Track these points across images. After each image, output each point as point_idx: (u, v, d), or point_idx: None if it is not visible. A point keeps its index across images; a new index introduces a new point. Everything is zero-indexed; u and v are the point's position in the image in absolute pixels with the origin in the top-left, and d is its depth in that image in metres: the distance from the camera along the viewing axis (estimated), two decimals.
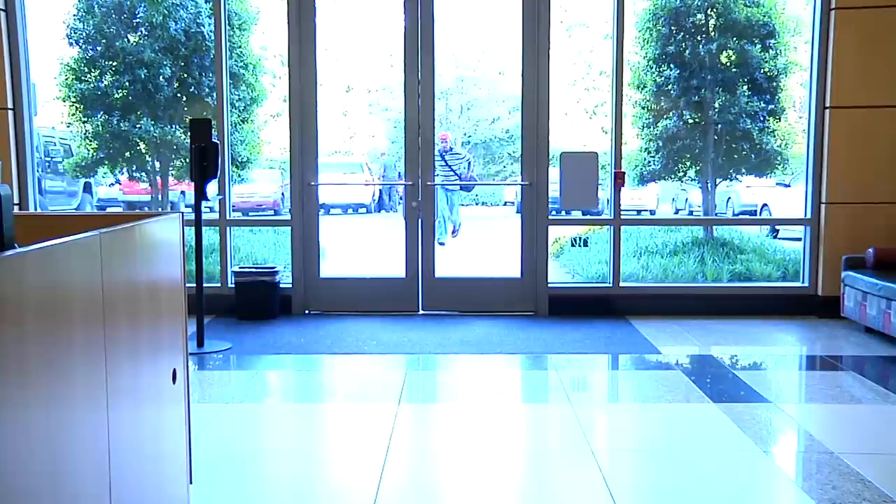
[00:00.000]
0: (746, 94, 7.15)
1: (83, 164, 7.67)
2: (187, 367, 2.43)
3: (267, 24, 7.86)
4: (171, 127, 7.42)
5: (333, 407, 3.92)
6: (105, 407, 1.68)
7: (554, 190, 5.79)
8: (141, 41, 7.30)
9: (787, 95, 7.31)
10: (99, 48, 7.36)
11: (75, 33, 7.35)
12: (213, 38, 6.01)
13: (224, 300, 5.76)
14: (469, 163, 8.86)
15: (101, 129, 7.36)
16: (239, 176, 7.77)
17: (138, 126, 7.31)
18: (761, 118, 7.20)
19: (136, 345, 1.92)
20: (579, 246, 8.49)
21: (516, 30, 5.73)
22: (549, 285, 5.88)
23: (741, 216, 10.44)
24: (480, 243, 9.51)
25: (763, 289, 6.27)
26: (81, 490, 1.55)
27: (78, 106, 7.43)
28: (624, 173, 5.85)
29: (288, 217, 6.04)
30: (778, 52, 7.24)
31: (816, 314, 5.74)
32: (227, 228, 5.93)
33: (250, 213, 12.00)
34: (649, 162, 7.45)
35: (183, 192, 9.42)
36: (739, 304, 5.82)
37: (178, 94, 7.47)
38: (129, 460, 1.85)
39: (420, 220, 5.88)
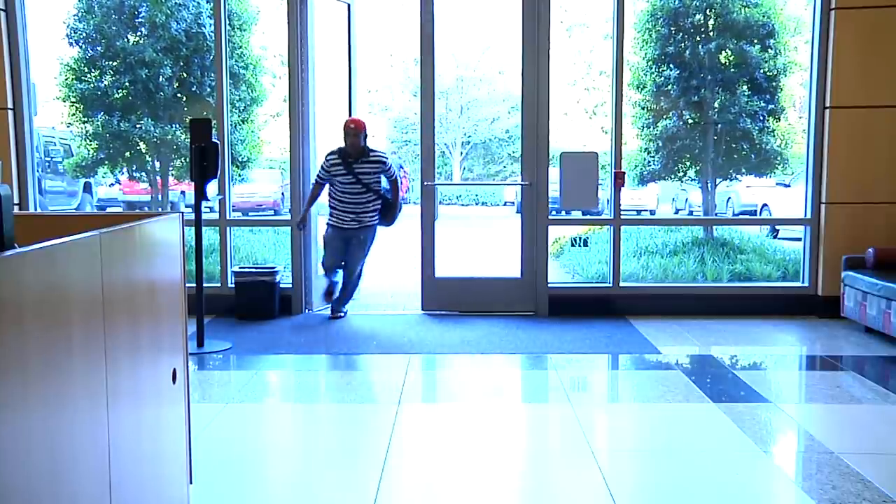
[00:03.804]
0: (746, 94, 7.15)
1: (83, 164, 7.67)
2: (187, 367, 2.43)
3: (267, 24, 7.88)
4: (172, 127, 7.42)
5: (333, 407, 3.92)
6: (105, 407, 1.68)
7: (554, 190, 5.79)
8: (141, 41, 7.30)
9: (786, 95, 7.31)
10: (99, 48, 7.37)
11: (75, 33, 7.36)
12: (213, 38, 6.01)
13: (224, 300, 5.76)
14: (393, 172, 5.57)
15: (101, 129, 7.36)
16: (239, 176, 7.77)
17: (138, 126, 7.31)
18: (761, 118, 7.20)
19: (136, 345, 1.92)
20: (579, 246, 8.49)
21: (516, 30, 5.72)
22: (549, 285, 5.88)
23: (741, 216, 10.45)
24: (480, 243, 9.50)
25: (763, 289, 6.27)
26: (81, 490, 1.55)
27: (78, 106, 7.43)
28: (624, 173, 5.85)
29: (288, 217, 6.03)
30: (778, 51, 7.23)
31: (816, 314, 5.74)
32: (227, 228, 5.93)
33: (250, 213, 12.00)
34: (649, 162, 7.45)
35: (183, 192, 9.42)
36: (739, 304, 5.82)
37: (179, 94, 7.48)
38: (129, 460, 1.85)
39: (420, 220, 5.88)
